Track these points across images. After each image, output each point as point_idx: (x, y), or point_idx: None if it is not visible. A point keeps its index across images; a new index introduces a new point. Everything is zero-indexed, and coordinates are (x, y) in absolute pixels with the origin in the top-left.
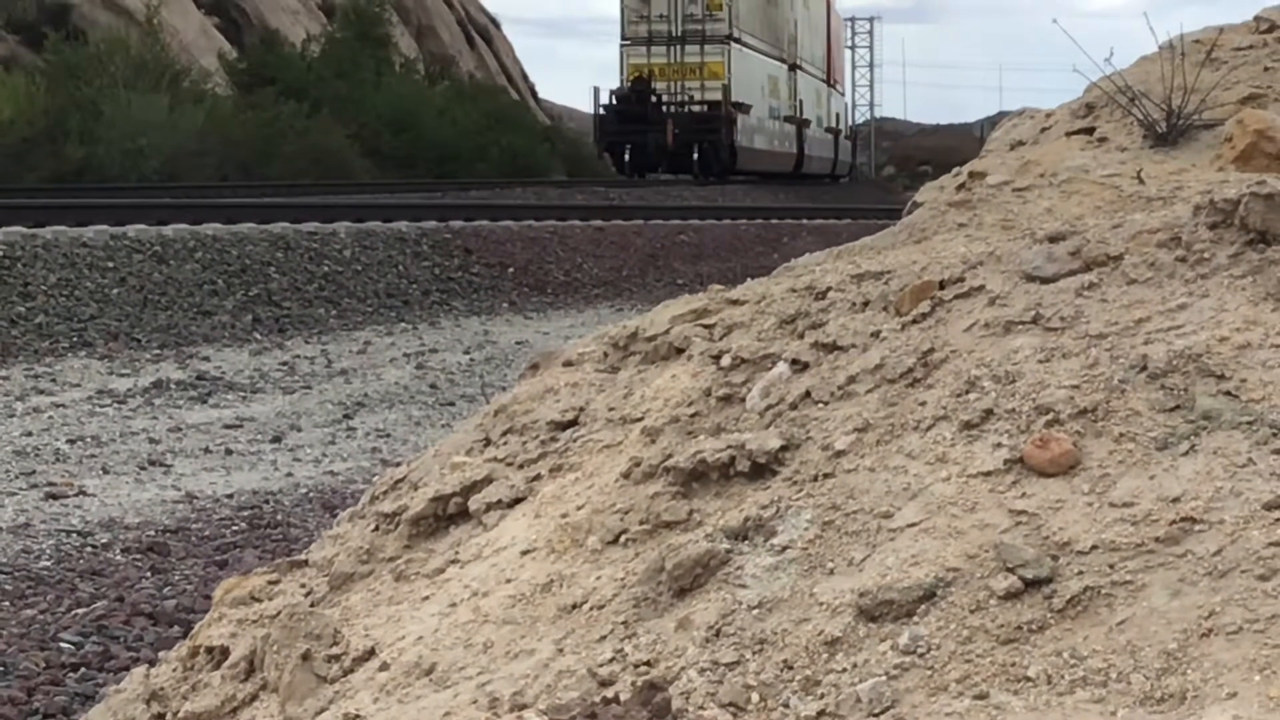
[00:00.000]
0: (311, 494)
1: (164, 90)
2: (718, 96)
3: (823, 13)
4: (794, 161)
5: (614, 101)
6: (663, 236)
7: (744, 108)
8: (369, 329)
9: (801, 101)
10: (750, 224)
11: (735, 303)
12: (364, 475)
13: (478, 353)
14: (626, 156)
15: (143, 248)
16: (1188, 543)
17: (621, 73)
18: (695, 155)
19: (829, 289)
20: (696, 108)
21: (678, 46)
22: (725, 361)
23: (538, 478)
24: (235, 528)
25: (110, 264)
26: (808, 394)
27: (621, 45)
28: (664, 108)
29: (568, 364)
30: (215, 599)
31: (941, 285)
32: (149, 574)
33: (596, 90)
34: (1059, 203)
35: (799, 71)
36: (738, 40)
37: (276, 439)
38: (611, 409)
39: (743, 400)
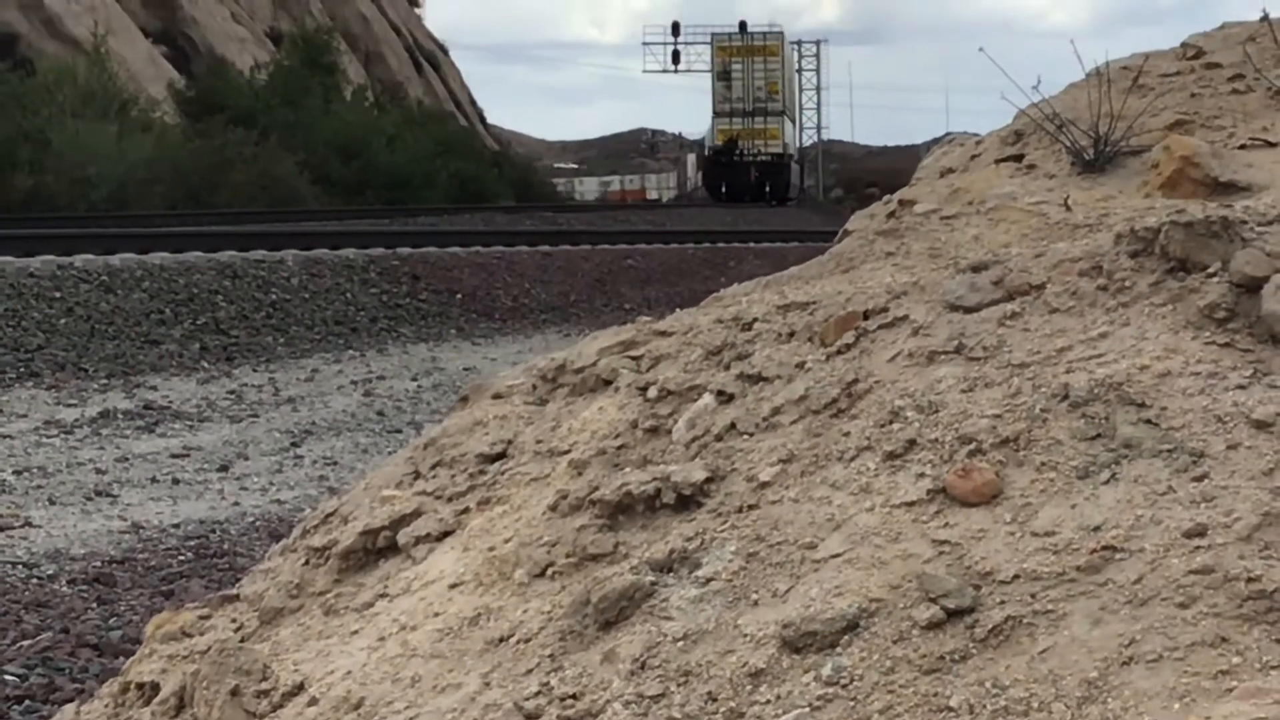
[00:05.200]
0: (259, 523)
1: (112, 119)
2: (779, 150)
3: (795, 68)
4: (799, 190)
5: (711, 154)
6: (610, 261)
7: (791, 157)
8: (317, 356)
9: (800, 148)
10: (698, 248)
11: (662, 334)
12: (311, 504)
13: (425, 379)
14: (723, 189)
15: (90, 277)
16: (1108, 571)
17: (711, 135)
18: (768, 189)
19: (755, 320)
20: (765, 158)
21: (750, 118)
22: (652, 393)
23: (466, 511)
24: (182, 558)
25: (57, 294)
26: (733, 425)
27: (713, 117)
28: (745, 158)
29: (497, 396)
30: (147, 634)
31: (866, 315)
32: (95, 605)
33: (702, 145)
34: (986, 231)
35: (797, 126)
36: (785, 113)
37: (224, 468)
38: (539, 441)
39: (669, 432)
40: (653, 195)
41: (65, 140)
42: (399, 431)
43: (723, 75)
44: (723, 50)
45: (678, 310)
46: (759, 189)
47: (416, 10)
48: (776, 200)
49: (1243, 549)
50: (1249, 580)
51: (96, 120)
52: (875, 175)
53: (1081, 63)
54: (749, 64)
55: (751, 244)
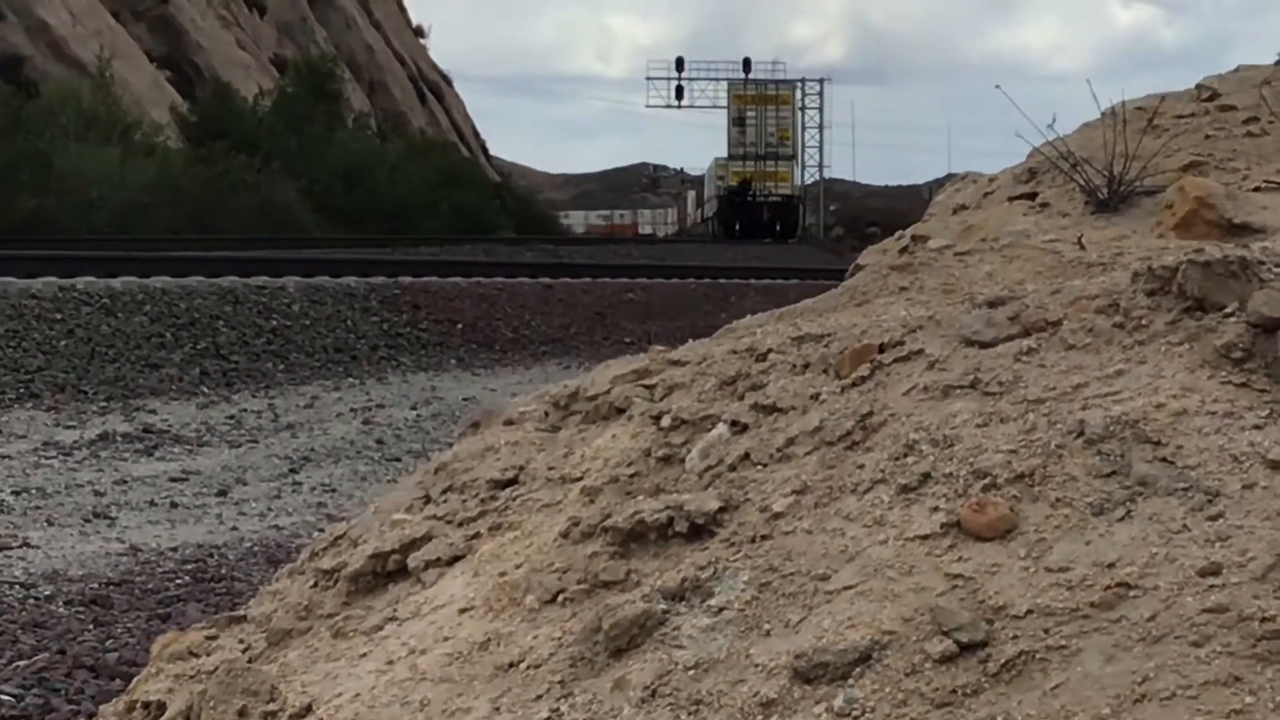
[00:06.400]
0: (256, 548)
1: (115, 142)
2: (789, 191)
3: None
4: (801, 228)
5: (726, 194)
6: (610, 295)
7: (800, 197)
8: (316, 384)
9: (802, 186)
10: (698, 283)
11: (676, 363)
12: (309, 530)
13: (424, 409)
14: (737, 227)
15: (91, 300)
16: (1122, 608)
17: (725, 176)
18: (778, 227)
19: (769, 351)
20: (776, 198)
21: (763, 161)
22: (665, 422)
23: (477, 536)
24: (179, 581)
25: (58, 316)
26: (747, 455)
27: (728, 159)
28: (758, 198)
29: (508, 422)
30: (153, 654)
31: (881, 349)
32: (91, 627)
33: (702, 181)
34: (1000, 267)
35: (800, 165)
36: (793, 157)
37: (222, 492)
38: (551, 468)
39: (682, 461)
40: (646, 230)
41: (68, 163)
42: (398, 460)
43: (738, 121)
44: (739, 98)
45: (690, 341)
46: (770, 227)
47: (421, 41)
48: (785, 237)
49: (1257, 588)
50: (1263, 620)
51: (100, 143)
52: (876, 215)
53: (1098, 103)
54: (762, 111)
55: (753, 280)
